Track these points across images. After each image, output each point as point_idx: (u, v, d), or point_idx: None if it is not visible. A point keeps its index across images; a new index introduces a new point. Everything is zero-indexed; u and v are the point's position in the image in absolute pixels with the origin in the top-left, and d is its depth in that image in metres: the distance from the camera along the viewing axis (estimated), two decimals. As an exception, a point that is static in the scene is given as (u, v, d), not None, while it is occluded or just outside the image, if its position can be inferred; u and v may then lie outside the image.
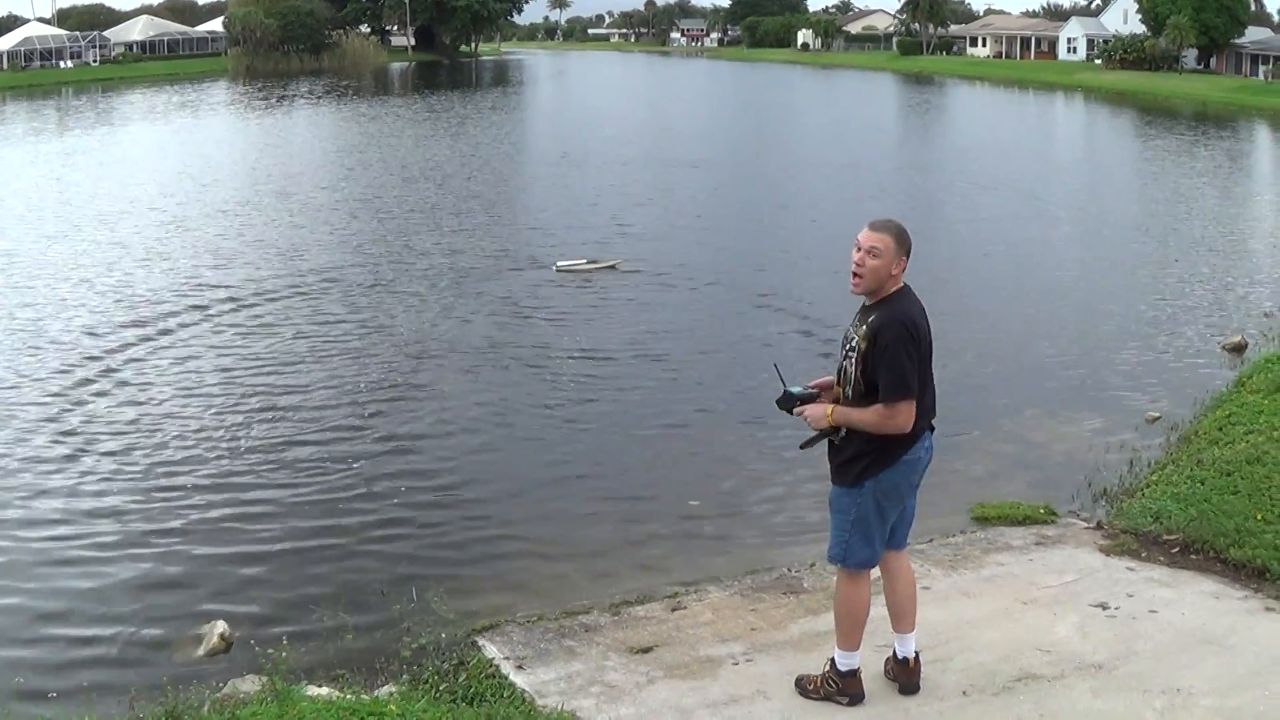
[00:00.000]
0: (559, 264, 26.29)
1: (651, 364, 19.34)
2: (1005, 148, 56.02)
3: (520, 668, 9.02)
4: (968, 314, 22.09)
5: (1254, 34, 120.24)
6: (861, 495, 7.77)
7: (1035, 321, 22.39)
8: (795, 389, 7.91)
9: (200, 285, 24.75)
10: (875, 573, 8.14)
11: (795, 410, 7.88)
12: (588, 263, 26.15)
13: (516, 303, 23.39)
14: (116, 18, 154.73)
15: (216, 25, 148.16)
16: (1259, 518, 11.19)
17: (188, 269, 26.51)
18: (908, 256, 7.70)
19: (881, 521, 7.85)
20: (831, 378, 7.95)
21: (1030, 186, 42.71)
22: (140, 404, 17.11)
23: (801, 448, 8.01)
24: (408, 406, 17.15)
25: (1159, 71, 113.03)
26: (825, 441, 7.84)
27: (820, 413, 7.74)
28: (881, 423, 7.54)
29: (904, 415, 7.51)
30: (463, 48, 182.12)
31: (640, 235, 31.11)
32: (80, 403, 17.15)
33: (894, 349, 7.47)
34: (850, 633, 8.04)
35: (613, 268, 25.82)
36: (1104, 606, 9.78)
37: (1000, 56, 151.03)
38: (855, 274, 7.67)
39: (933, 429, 7.96)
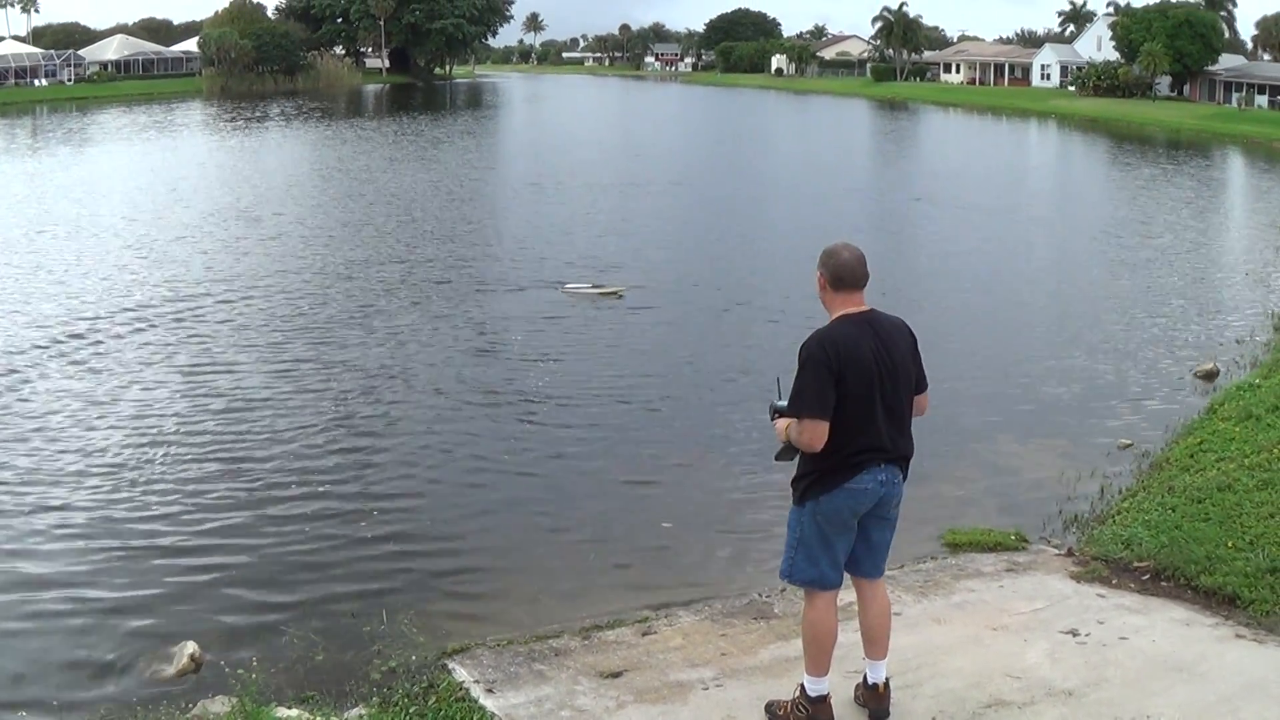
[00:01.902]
0: (566, 286, 26.26)
1: (624, 389, 19.31)
2: (978, 174, 56.27)
3: (490, 691, 8.97)
4: (940, 340, 22.02)
5: (1227, 61, 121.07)
6: (804, 515, 7.84)
7: (1007, 348, 22.46)
8: (780, 402, 7.94)
9: (158, 310, 24.61)
10: (846, 598, 8.14)
11: (773, 420, 7.93)
12: (592, 287, 26.05)
13: (488, 329, 23.34)
14: (92, 37, 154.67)
15: (191, 45, 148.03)
16: (1230, 545, 11.21)
17: (145, 295, 26.27)
18: (823, 273, 7.80)
19: (825, 545, 7.83)
20: None
21: (1002, 213, 42.96)
22: (109, 426, 17.01)
23: (775, 459, 8.05)
24: (378, 430, 17.10)
25: (1132, 98, 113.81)
26: (796, 455, 7.88)
27: (781, 425, 7.79)
28: (795, 439, 7.64)
29: (808, 433, 7.52)
30: (437, 70, 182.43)
31: (615, 262, 31.02)
32: (44, 425, 17.06)
33: (803, 367, 7.56)
34: (817, 657, 8.02)
35: (617, 295, 25.65)
36: (1074, 633, 9.78)
37: (974, 83, 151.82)
38: None
39: (902, 468, 7.94)
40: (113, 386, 18.86)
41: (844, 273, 7.73)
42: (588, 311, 24.49)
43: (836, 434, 7.56)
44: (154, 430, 16.74)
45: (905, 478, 7.99)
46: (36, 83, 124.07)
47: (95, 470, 15.12)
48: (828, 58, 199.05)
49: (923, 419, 8.12)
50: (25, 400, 18.18)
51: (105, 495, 14.29)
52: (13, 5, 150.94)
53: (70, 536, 13.11)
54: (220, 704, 8.77)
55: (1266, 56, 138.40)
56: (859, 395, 7.58)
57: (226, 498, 14.30)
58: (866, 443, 7.65)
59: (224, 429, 16.86)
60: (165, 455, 15.68)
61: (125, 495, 14.27)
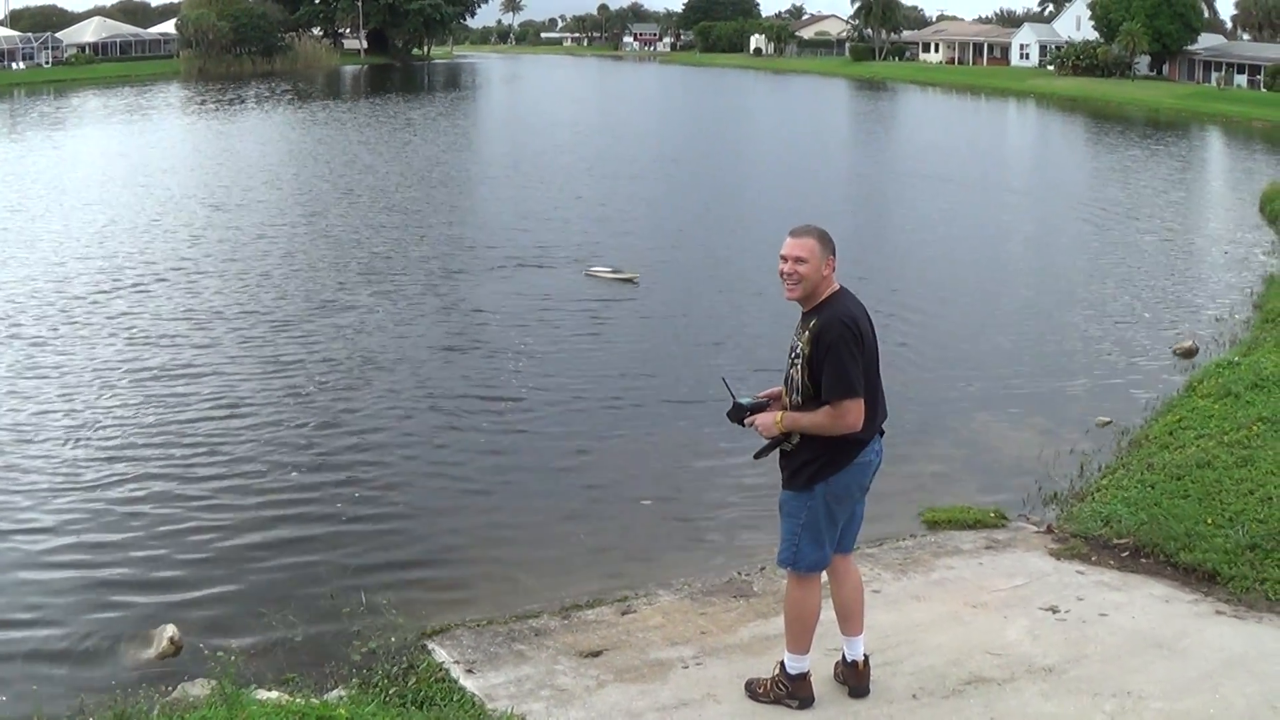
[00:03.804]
0: (588, 270, 26.21)
1: (602, 367, 19.32)
2: (957, 153, 56.24)
3: (470, 671, 8.98)
4: (918, 318, 22.10)
5: (1206, 40, 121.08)
6: (813, 499, 7.77)
7: (986, 326, 22.47)
8: (745, 400, 7.93)
9: (134, 287, 24.62)
10: (824, 576, 8.14)
11: (745, 421, 7.90)
12: (612, 272, 25.95)
13: (468, 307, 23.27)
14: (69, 19, 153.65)
15: (169, 27, 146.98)
16: (1209, 522, 11.24)
17: (123, 271, 26.20)
18: (834, 255, 7.74)
19: (831, 525, 7.85)
20: (780, 388, 7.94)
21: (980, 192, 43.04)
22: (87, 407, 16.95)
23: (755, 457, 8.06)
24: (356, 409, 17.05)
25: (1111, 78, 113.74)
26: (778, 449, 7.84)
27: (770, 420, 7.76)
28: (832, 424, 7.54)
29: (853, 414, 7.52)
30: (415, 51, 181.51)
31: (601, 244, 30.98)
32: (21, 405, 16.99)
33: (836, 349, 7.49)
34: (800, 636, 8.03)
35: (632, 281, 25.55)
36: (1054, 610, 9.80)
37: (953, 62, 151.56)
38: (788, 284, 7.72)
39: (882, 433, 7.97)
40: (81, 370, 18.72)
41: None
42: (576, 294, 24.40)
43: None
44: (131, 415, 16.65)
45: None
46: (14, 65, 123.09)
47: (70, 456, 15.03)
48: (806, 37, 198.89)
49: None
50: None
51: (82, 480, 14.23)
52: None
53: (47, 521, 13.06)
54: (200, 687, 8.74)
55: (1246, 36, 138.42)
56: (870, 370, 7.69)
57: (205, 481, 14.24)
58: (871, 416, 7.70)
59: (202, 413, 16.77)
60: (142, 440, 15.60)
61: (102, 480, 14.20)
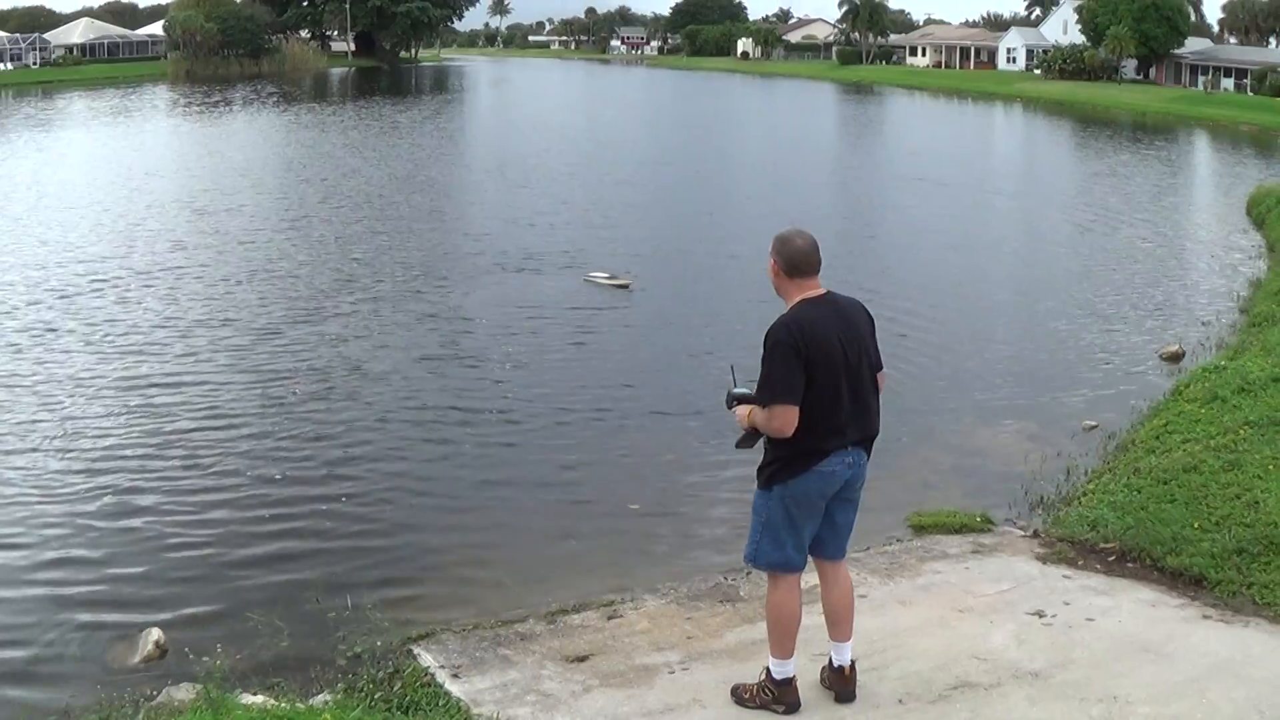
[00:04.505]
0: (586, 276, 26.19)
1: (590, 371, 19.31)
2: (945, 157, 56.33)
3: (456, 676, 8.95)
4: (904, 323, 22.08)
5: (1193, 44, 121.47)
6: (771, 499, 7.85)
7: (973, 330, 22.50)
8: (739, 390, 7.95)
9: (126, 299, 24.51)
10: (810, 581, 8.14)
11: (731, 408, 7.93)
12: (608, 278, 25.94)
13: (455, 314, 23.25)
14: (57, 20, 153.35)
15: (157, 29, 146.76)
16: (1196, 526, 11.25)
17: (114, 281, 26.14)
18: (773, 257, 7.86)
19: (791, 528, 7.85)
20: None
21: (967, 195, 43.13)
22: (68, 413, 16.90)
23: (736, 446, 8.07)
24: (342, 417, 17.00)
25: (1098, 82, 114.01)
26: (758, 444, 7.87)
27: (743, 412, 7.82)
28: (765, 424, 7.65)
29: (779, 419, 7.54)
30: (403, 54, 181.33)
31: (587, 250, 30.95)
32: (1, 416, 16.91)
33: (771, 352, 7.59)
34: (782, 640, 8.02)
35: (625, 287, 25.52)
36: (1040, 615, 9.80)
37: (940, 66, 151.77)
38: None
39: (866, 448, 7.97)
40: (66, 375, 18.66)
41: (798, 259, 7.77)
42: (565, 300, 24.33)
43: (805, 418, 7.57)
44: (115, 419, 16.61)
45: (869, 458, 8.01)
46: (2, 66, 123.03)
47: (53, 462, 15.00)
48: (793, 41, 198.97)
49: (890, 401, 8.13)
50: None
51: (65, 486, 14.17)
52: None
53: (31, 525, 13.02)
54: (185, 691, 8.73)
55: (1233, 40, 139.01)
56: (826, 378, 7.61)
57: (191, 485, 14.20)
58: (834, 425, 7.68)
59: (186, 419, 16.71)
60: (127, 444, 15.56)
61: (86, 484, 14.16)
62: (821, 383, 7.58)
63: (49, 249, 29.35)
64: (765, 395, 7.58)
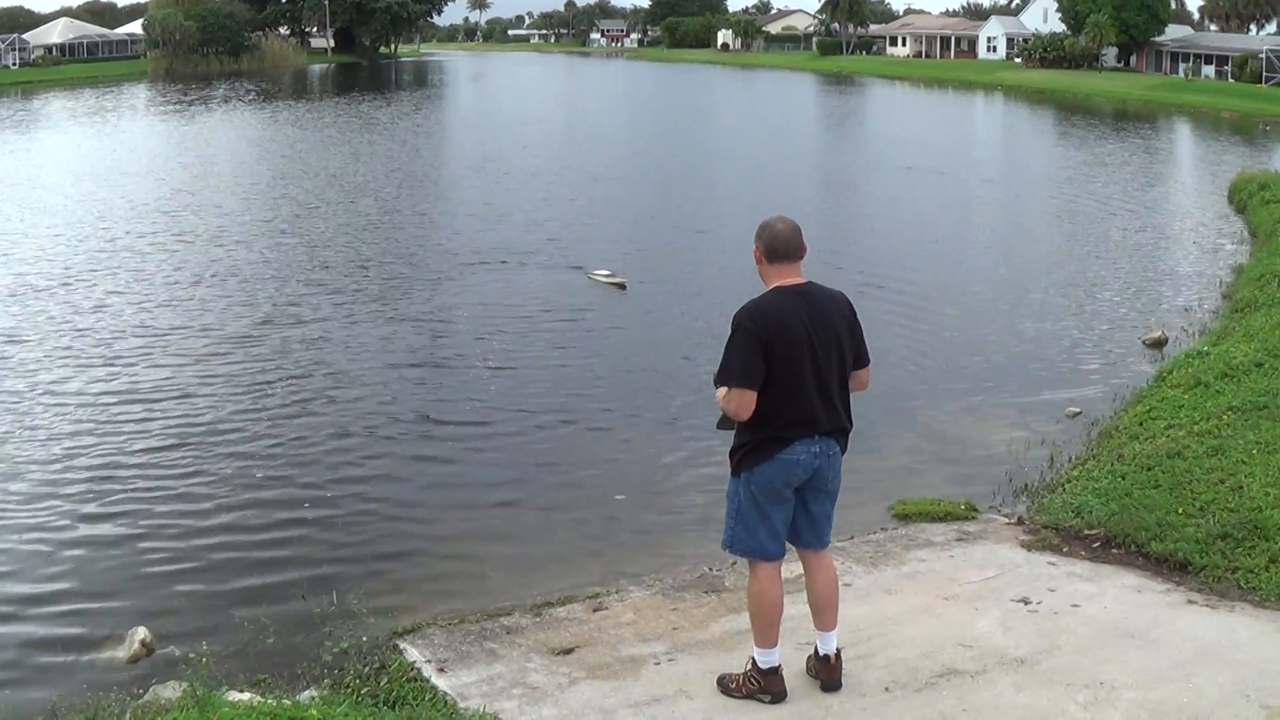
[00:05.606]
0: (589, 273, 26.17)
1: (575, 364, 19.30)
2: (926, 146, 56.33)
3: (442, 670, 8.94)
4: (886, 309, 22.10)
5: (1174, 32, 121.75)
6: (739, 485, 7.93)
7: (955, 317, 22.48)
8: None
9: (107, 289, 24.48)
10: (795, 570, 8.13)
11: (717, 388, 7.95)
12: (607, 276, 25.90)
13: (436, 307, 23.22)
14: (35, 20, 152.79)
15: (136, 28, 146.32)
16: (1180, 511, 11.25)
17: (89, 283, 26.10)
18: (757, 243, 7.90)
19: (761, 516, 7.88)
20: None
21: (949, 183, 43.16)
22: (51, 417, 16.85)
23: (717, 427, 8.12)
24: (325, 408, 16.98)
25: (1079, 70, 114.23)
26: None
27: (720, 394, 7.81)
28: (724, 405, 7.73)
29: (735, 401, 7.62)
30: (382, 49, 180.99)
31: (570, 246, 30.93)
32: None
33: (731, 337, 7.69)
34: (764, 629, 8.03)
35: (620, 286, 25.49)
36: (1026, 601, 9.80)
37: (920, 56, 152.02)
38: None
39: (838, 440, 7.96)
40: (50, 378, 18.59)
41: (778, 244, 7.78)
42: (552, 296, 24.27)
43: (767, 404, 7.61)
44: (95, 420, 16.54)
45: (844, 450, 8.02)
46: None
47: (37, 461, 14.94)
48: (774, 32, 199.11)
49: (873, 389, 8.12)
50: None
51: (52, 482, 14.15)
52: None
53: (17, 523, 12.98)
54: (172, 689, 8.69)
55: (1213, 27, 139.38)
56: (789, 367, 7.63)
57: (174, 483, 14.13)
58: (797, 415, 7.69)
59: (170, 413, 16.69)
60: (111, 443, 15.50)
61: (72, 482, 14.12)
62: (784, 371, 7.61)
63: (18, 251, 29.12)
64: (722, 377, 7.67)
